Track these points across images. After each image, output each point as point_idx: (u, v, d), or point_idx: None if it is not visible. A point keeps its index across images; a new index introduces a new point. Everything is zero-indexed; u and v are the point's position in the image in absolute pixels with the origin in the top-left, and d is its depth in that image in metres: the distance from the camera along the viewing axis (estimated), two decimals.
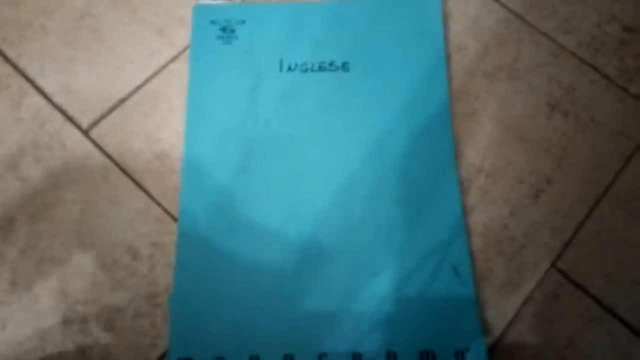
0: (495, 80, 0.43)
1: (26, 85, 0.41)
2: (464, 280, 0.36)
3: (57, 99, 0.41)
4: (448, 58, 0.43)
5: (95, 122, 0.41)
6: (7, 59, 0.42)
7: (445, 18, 0.45)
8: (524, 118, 0.42)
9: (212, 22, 0.44)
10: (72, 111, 0.41)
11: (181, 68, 0.43)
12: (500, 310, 0.36)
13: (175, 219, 0.38)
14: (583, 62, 0.44)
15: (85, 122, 0.41)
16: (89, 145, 0.40)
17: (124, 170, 0.39)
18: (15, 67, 0.42)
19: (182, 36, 0.44)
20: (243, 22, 0.45)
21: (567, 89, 0.43)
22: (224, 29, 0.44)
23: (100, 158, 0.40)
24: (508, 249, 0.38)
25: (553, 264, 0.37)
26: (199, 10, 0.44)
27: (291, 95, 0.42)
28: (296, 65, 0.43)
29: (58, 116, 0.41)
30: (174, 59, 0.43)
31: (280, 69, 0.43)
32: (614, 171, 0.40)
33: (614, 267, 0.37)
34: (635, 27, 0.45)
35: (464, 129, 0.41)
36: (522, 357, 0.35)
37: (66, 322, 0.35)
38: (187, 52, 0.43)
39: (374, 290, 0.36)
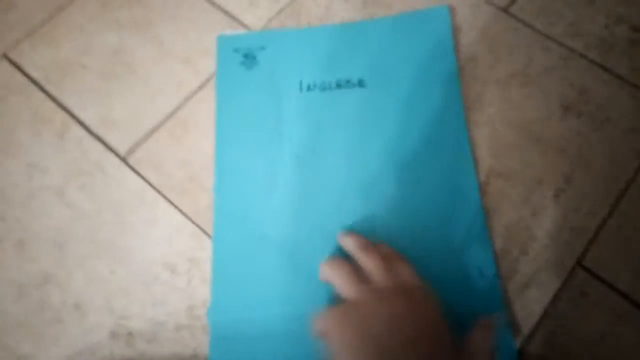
0: (508, 87, 0.44)
1: (68, 119, 0.45)
2: (489, 282, 0.37)
3: (96, 129, 0.45)
4: (460, 69, 0.45)
5: (132, 149, 0.44)
6: (51, 96, 0.46)
7: (455, 31, 0.47)
8: (538, 121, 0.43)
9: (235, 50, 0.48)
10: (111, 140, 0.44)
11: (208, 95, 0.46)
12: (528, 311, 0.37)
13: (209, 235, 0.40)
14: (594, 64, 0.45)
15: (123, 150, 0.44)
16: (127, 171, 0.43)
17: (159, 192, 0.42)
18: (58, 103, 0.46)
19: (207, 65, 0.47)
20: (263, 48, 0.47)
21: (579, 90, 0.44)
22: (245, 56, 0.47)
23: (137, 182, 0.42)
24: (532, 249, 0.39)
25: (578, 262, 0.38)
26: (223, 40, 0.48)
27: (312, 112, 0.44)
28: (315, 84, 0.45)
29: (98, 145, 0.44)
30: (201, 86, 0.46)
31: (300, 90, 0.45)
32: (633, 168, 0.41)
33: None
34: None
35: (480, 135, 0.43)
36: (552, 356, 0.36)
37: (113, 336, 0.38)
38: (213, 79, 0.46)
39: None
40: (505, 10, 0.48)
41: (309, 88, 0.45)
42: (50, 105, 0.46)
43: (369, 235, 0.39)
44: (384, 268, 0.33)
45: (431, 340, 0.30)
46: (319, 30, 0.48)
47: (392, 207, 0.40)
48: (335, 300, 0.35)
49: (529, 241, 0.39)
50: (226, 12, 0.49)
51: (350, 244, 0.36)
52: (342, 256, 0.37)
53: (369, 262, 0.34)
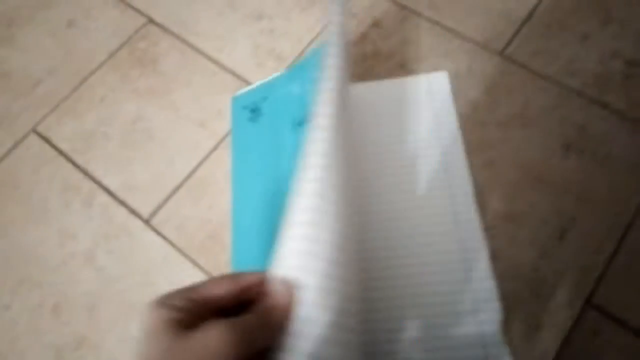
0: (509, 129, 0.46)
1: (94, 187, 0.48)
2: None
3: (121, 195, 0.48)
4: (461, 114, 0.47)
5: (155, 212, 0.47)
6: (77, 166, 0.49)
7: (454, 78, 0.49)
8: (540, 161, 0.44)
9: (244, 107, 0.50)
10: (134, 204, 0.47)
11: (222, 154, 0.48)
12: (541, 353, 0.38)
13: None
14: (591, 101, 0.46)
15: (146, 213, 0.47)
16: (150, 233, 0.46)
17: (182, 252, 0.45)
18: (84, 172, 0.49)
19: (221, 126, 0.50)
20: (265, 98, 0.50)
21: (579, 128, 0.45)
22: (252, 111, 0.50)
23: (160, 243, 0.45)
24: (541, 290, 0.40)
25: (588, 301, 0.39)
26: (236, 100, 0.51)
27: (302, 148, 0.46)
28: (303, 120, 0.46)
29: (123, 210, 0.47)
30: (216, 146, 0.49)
31: (293, 127, 0.46)
32: (636, 202, 0.42)
33: None
34: (638, 60, 0.48)
35: (484, 178, 0.44)
36: None
37: None
38: (226, 139, 0.49)
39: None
40: (500, 53, 0.50)
41: (299, 124, 0.46)
42: (78, 174, 0.49)
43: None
44: None
45: None
46: (306, 66, 0.50)
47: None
48: None
49: (539, 282, 0.40)
50: (235, 74, 0.52)
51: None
52: None
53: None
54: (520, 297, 0.40)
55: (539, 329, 0.38)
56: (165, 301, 0.23)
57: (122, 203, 0.47)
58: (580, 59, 0.49)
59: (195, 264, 0.44)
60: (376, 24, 0.53)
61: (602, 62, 0.48)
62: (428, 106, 0.47)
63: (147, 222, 0.46)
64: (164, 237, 0.45)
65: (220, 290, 0.24)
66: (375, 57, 0.51)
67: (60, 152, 0.50)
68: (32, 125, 0.52)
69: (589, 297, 0.39)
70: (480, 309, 0.39)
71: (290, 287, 0.25)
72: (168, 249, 0.45)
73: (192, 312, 0.23)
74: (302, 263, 0.26)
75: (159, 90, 0.52)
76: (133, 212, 0.47)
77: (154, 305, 0.23)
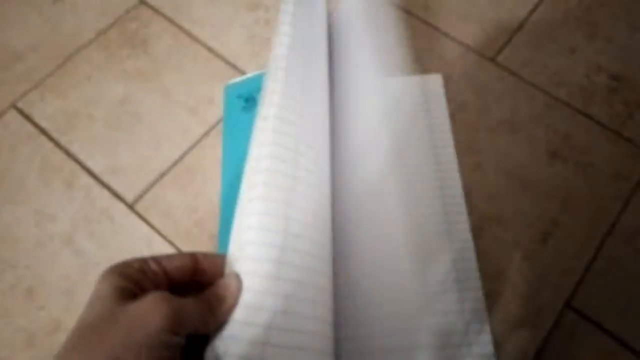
0: (497, 134, 0.47)
1: (77, 168, 0.47)
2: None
3: (104, 177, 0.46)
4: (452, 116, 0.48)
5: (139, 197, 0.45)
6: (59, 146, 0.48)
7: (446, 80, 0.50)
8: (527, 167, 0.46)
9: (238, 97, 0.50)
10: (119, 188, 0.46)
11: (213, 142, 0.48)
12: (521, 351, 0.39)
13: None
14: (576, 111, 0.48)
15: (130, 197, 0.45)
16: (134, 218, 0.44)
17: (166, 239, 0.44)
18: (66, 152, 0.47)
19: (212, 113, 0.49)
20: (261, 89, 0.49)
21: (564, 137, 0.47)
22: (247, 100, 0.49)
23: (145, 229, 0.44)
24: (523, 291, 0.41)
25: (567, 304, 0.40)
26: (229, 88, 0.50)
27: None
28: None
29: (106, 193, 0.45)
30: (206, 134, 0.48)
31: None
32: (616, 211, 0.43)
33: (626, 303, 0.40)
34: (622, 75, 0.50)
35: (472, 181, 0.45)
36: None
37: None
38: (217, 127, 0.48)
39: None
40: (492, 60, 0.51)
41: None
42: (59, 154, 0.47)
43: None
44: None
45: None
46: None
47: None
48: None
49: (522, 283, 0.41)
50: (228, 62, 0.52)
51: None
52: None
53: None
54: (502, 297, 0.40)
55: (519, 328, 0.39)
56: (117, 269, 0.23)
57: (106, 186, 0.46)
58: (567, 71, 0.50)
59: (180, 251, 0.43)
60: None
61: (587, 75, 0.50)
62: (422, 107, 0.48)
63: (131, 206, 0.45)
64: (149, 223, 0.44)
65: (176, 266, 0.25)
66: None
67: (42, 131, 0.48)
68: (12, 101, 0.50)
69: (569, 300, 0.40)
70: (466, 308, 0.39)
71: (240, 283, 0.25)
72: (152, 235, 0.44)
73: (141, 282, 0.23)
74: (252, 250, 0.27)
75: (149, 72, 0.51)
76: (117, 195, 0.45)
77: (106, 272, 0.23)
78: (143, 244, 0.43)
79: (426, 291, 0.40)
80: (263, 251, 0.27)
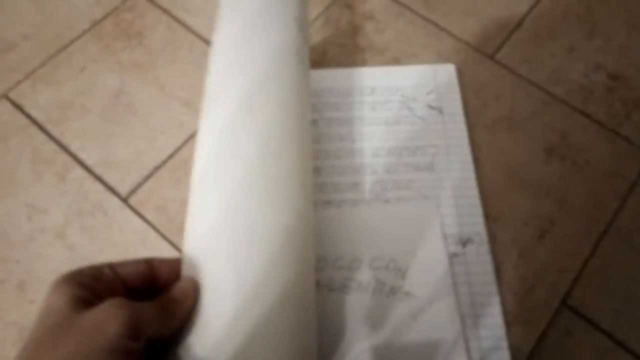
0: (496, 132, 0.47)
1: (69, 160, 0.46)
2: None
3: (98, 170, 0.45)
4: None
5: (133, 190, 0.45)
6: (52, 137, 0.47)
7: None
8: (524, 164, 0.45)
9: None
10: (112, 181, 0.45)
11: None
12: (518, 349, 0.39)
13: None
14: (574, 110, 0.48)
15: (124, 191, 0.45)
16: (128, 212, 0.44)
17: (160, 233, 0.43)
18: (59, 144, 0.46)
19: None
20: None
21: (561, 135, 0.47)
22: None
23: (139, 223, 0.43)
24: (520, 289, 0.41)
25: (563, 302, 0.40)
26: None
27: None
28: None
29: (99, 186, 0.45)
30: None
31: None
32: (613, 210, 0.43)
33: (622, 302, 0.40)
34: (620, 74, 0.50)
35: None
36: None
37: None
38: None
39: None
40: (491, 57, 0.51)
41: None
42: (52, 146, 0.46)
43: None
44: None
45: None
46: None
47: None
48: None
49: (518, 281, 0.41)
50: None
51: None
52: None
53: None
54: (500, 294, 0.40)
55: (515, 326, 0.39)
56: (70, 277, 0.22)
57: (99, 179, 0.45)
58: (566, 69, 0.50)
59: (174, 246, 0.42)
60: (371, 17, 0.53)
61: (586, 74, 0.50)
62: (434, 96, 0.48)
63: (124, 200, 0.44)
64: (143, 217, 0.44)
65: (131, 271, 0.24)
66: (369, 50, 0.51)
67: (34, 121, 0.47)
68: (3, 91, 0.49)
69: (565, 298, 0.40)
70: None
71: (196, 286, 0.26)
72: (147, 230, 0.43)
73: (96, 290, 0.22)
74: (207, 249, 0.28)
75: (144, 64, 0.50)
76: (110, 189, 0.45)
77: (58, 281, 0.22)
78: (137, 238, 0.43)
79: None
80: (218, 249, 0.27)
